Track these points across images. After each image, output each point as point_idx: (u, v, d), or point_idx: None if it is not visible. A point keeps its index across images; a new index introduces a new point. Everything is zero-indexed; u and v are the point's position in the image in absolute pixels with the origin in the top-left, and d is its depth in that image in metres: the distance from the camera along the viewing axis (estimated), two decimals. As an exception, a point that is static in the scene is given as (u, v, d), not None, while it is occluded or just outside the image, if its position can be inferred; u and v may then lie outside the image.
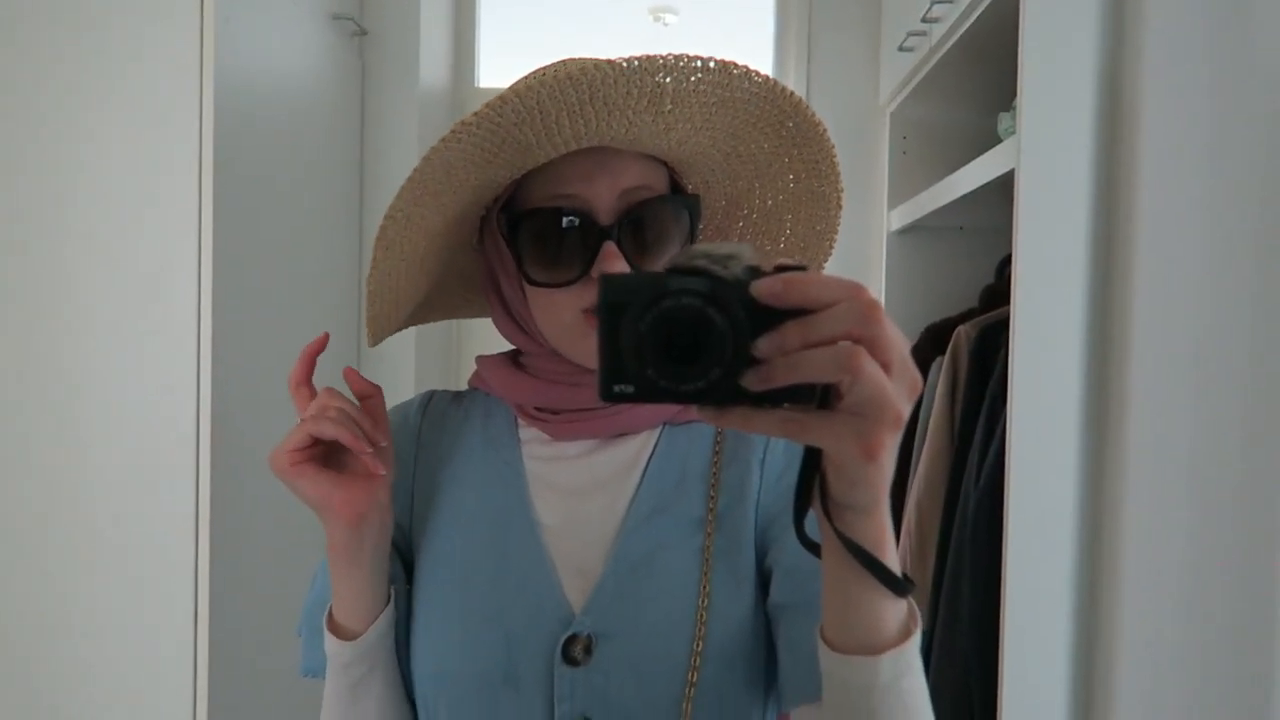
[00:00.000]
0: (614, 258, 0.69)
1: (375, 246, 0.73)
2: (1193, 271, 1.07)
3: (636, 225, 0.71)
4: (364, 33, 2.00)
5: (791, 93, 0.73)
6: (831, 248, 0.84)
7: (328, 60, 1.85)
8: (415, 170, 0.68)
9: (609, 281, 0.48)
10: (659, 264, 0.72)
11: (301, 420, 0.66)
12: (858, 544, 0.52)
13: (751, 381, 0.47)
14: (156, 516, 1.39)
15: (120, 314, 1.38)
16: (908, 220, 1.79)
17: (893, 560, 0.54)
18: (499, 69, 2.28)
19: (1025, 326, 1.18)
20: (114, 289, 1.38)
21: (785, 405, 0.48)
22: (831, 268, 0.87)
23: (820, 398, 0.49)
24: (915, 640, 0.57)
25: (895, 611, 0.56)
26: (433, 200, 0.72)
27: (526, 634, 0.69)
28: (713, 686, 0.67)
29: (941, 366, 1.60)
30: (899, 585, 0.54)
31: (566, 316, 0.72)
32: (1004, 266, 1.75)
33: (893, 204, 1.89)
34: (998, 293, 1.66)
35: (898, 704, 0.56)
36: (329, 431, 0.65)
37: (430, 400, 0.85)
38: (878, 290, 1.89)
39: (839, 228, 0.82)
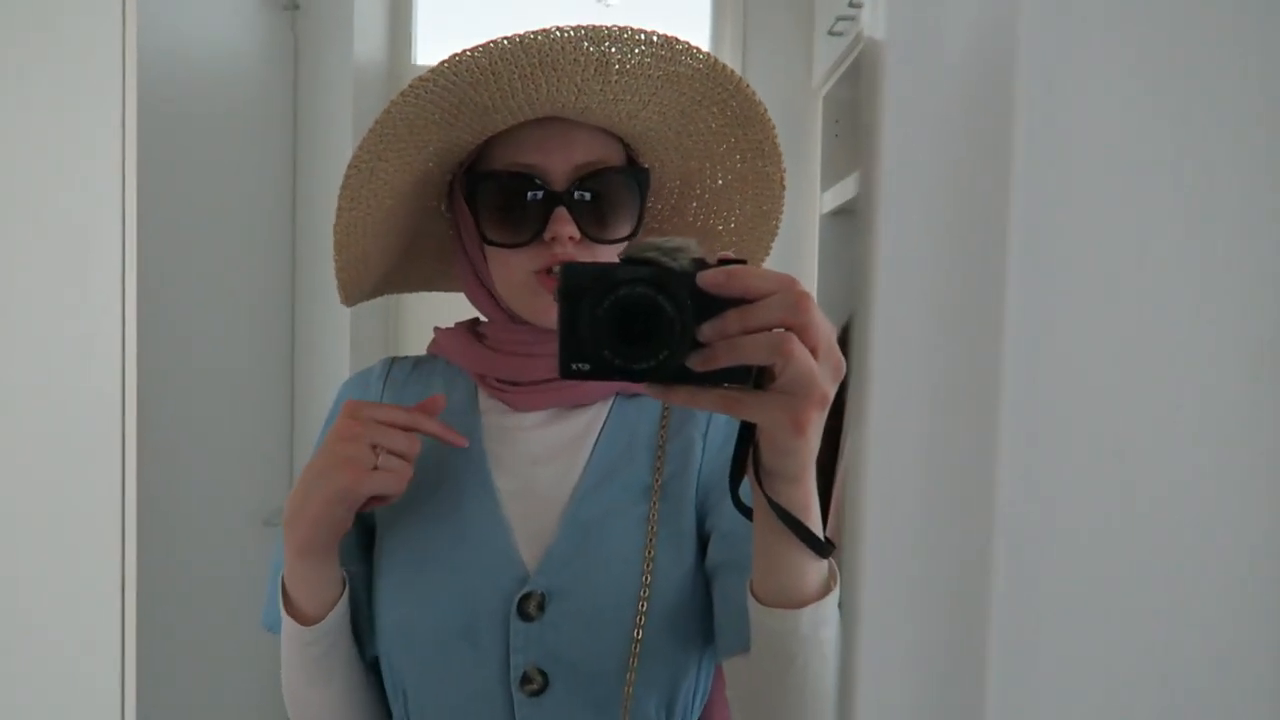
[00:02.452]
0: (564, 222, 0.74)
1: (339, 197, 0.77)
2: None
3: (588, 193, 0.76)
4: (296, 7, 1.96)
5: (732, 72, 0.78)
6: (777, 226, 0.89)
7: (258, 34, 1.81)
8: (376, 122, 0.73)
9: (569, 269, 0.54)
10: (608, 231, 0.77)
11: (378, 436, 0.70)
12: (785, 509, 0.59)
13: (695, 362, 0.53)
14: (81, 488, 1.37)
15: (42, 295, 1.35)
16: (840, 202, 1.84)
17: (816, 525, 0.60)
18: (437, 46, 2.26)
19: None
20: (34, 271, 1.35)
21: (725, 385, 0.55)
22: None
23: (756, 378, 0.55)
24: (834, 596, 0.64)
25: (817, 570, 0.63)
26: (395, 156, 0.76)
27: (484, 591, 0.73)
28: (657, 641, 0.72)
29: (872, 345, 1.65)
30: (821, 547, 0.60)
31: (519, 276, 0.77)
32: (932, 248, 1.81)
33: (825, 186, 1.93)
34: (925, 273, 1.71)
35: (816, 651, 0.63)
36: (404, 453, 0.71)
37: (391, 367, 0.88)
38: (811, 271, 1.94)
39: (783, 208, 0.88)
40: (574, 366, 0.54)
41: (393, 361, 0.89)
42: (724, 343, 0.53)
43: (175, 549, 1.50)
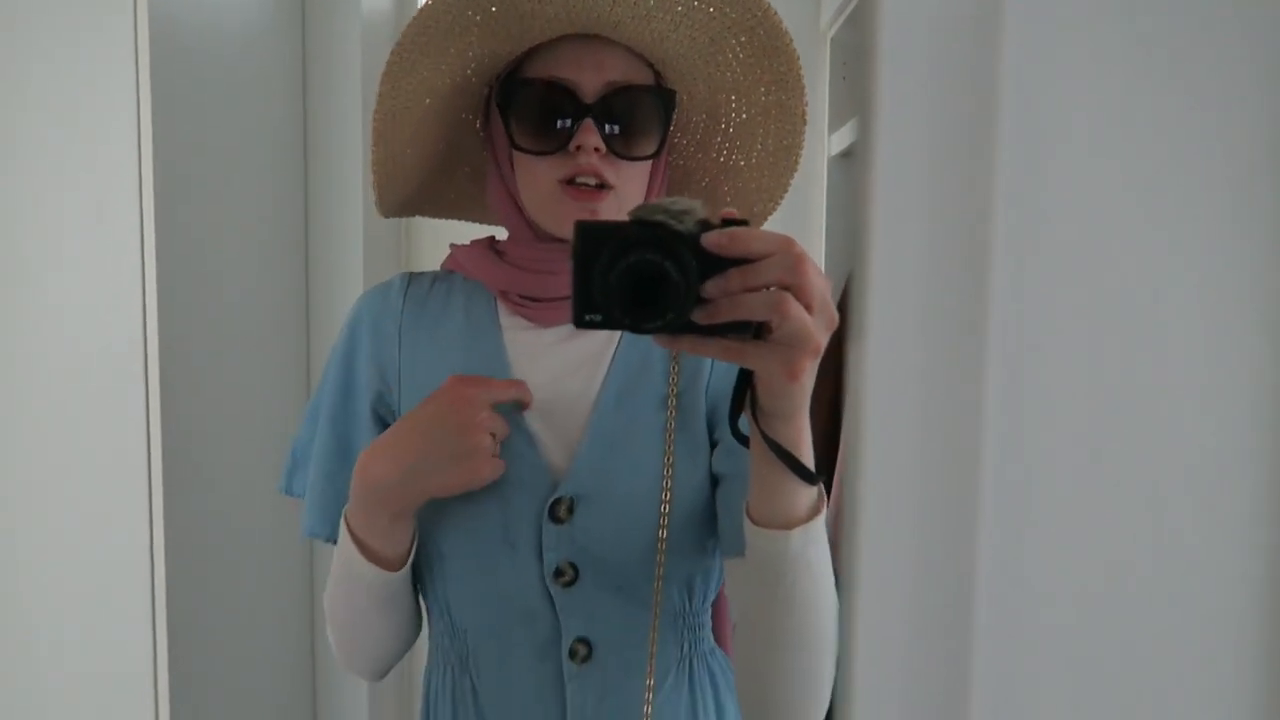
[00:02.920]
0: (591, 133, 0.78)
1: (380, 84, 0.81)
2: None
3: (614, 108, 0.80)
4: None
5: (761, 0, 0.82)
6: (797, 162, 0.93)
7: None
8: (419, 14, 0.77)
9: (583, 228, 0.59)
10: (632, 148, 0.82)
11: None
12: (778, 444, 0.66)
13: (700, 317, 0.59)
14: (105, 436, 1.41)
15: (60, 245, 1.38)
16: (847, 144, 1.84)
17: (807, 458, 0.68)
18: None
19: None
20: (51, 217, 1.38)
21: (726, 336, 0.61)
22: None
23: (754, 331, 0.61)
24: (821, 517, 0.71)
25: (806, 496, 0.70)
26: (436, 53, 0.80)
27: (518, 501, 0.81)
28: (677, 538, 0.81)
29: (879, 286, 1.66)
30: (809, 476, 0.68)
31: (545, 184, 0.81)
32: (939, 189, 1.82)
33: (833, 128, 1.93)
34: (933, 215, 1.72)
35: (804, 569, 0.70)
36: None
37: (410, 283, 0.92)
38: (819, 213, 1.95)
39: (803, 143, 0.92)
40: (587, 318, 0.59)
41: (411, 277, 0.92)
42: (726, 299, 0.59)
43: (201, 496, 1.55)
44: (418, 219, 2.13)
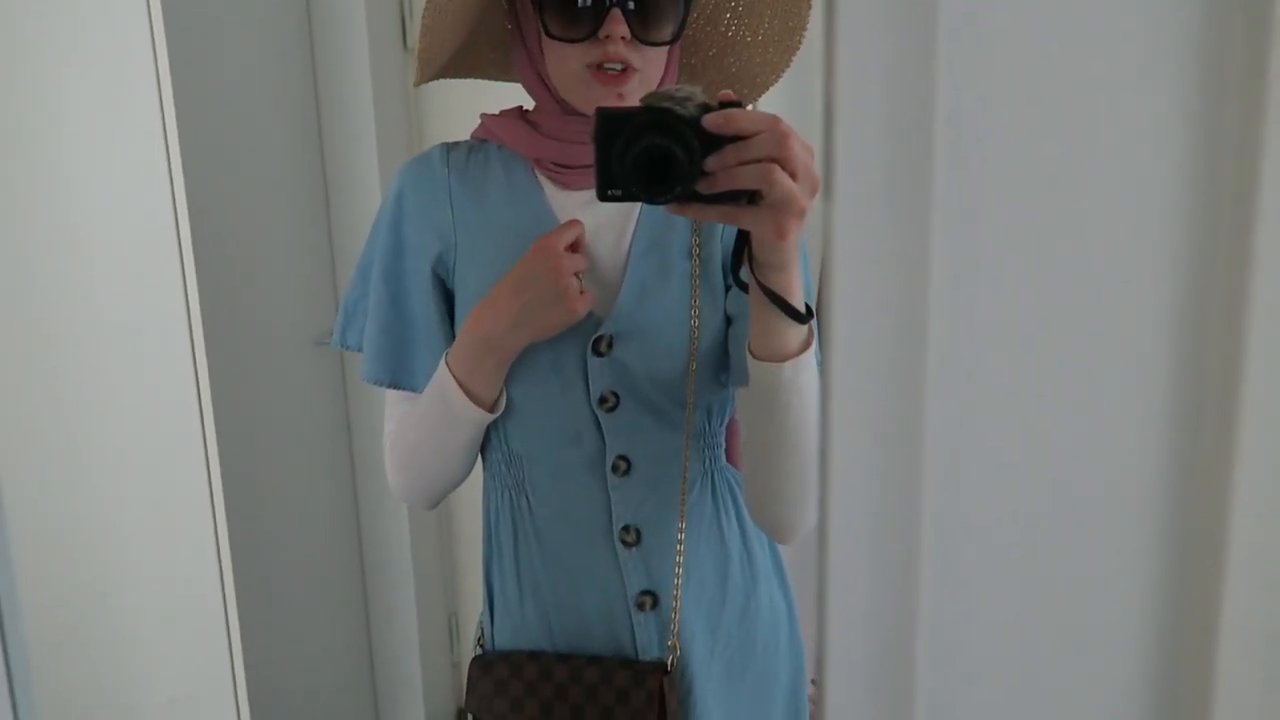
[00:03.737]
0: (618, 22, 0.85)
1: None
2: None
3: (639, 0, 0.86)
4: None
5: None
6: (800, 42, 0.98)
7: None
8: None
9: (602, 115, 0.70)
10: (654, 34, 0.88)
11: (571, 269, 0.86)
12: (772, 290, 0.77)
13: (703, 187, 0.71)
14: (148, 319, 1.49)
15: (85, 140, 1.40)
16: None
17: (797, 300, 0.78)
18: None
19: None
20: (74, 119, 1.40)
21: (726, 203, 0.73)
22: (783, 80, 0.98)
23: (749, 197, 0.72)
24: (811, 351, 0.83)
25: (797, 333, 0.82)
26: None
27: (568, 339, 0.91)
28: (701, 370, 0.92)
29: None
30: (800, 317, 0.79)
31: (575, 69, 0.88)
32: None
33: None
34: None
35: (796, 393, 0.83)
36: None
37: (450, 153, 0.99)
38: (818, 93, 1.93)
39: (807, 24, 0.97)
40: (609, 192, 0.71)
41: (449, 147, 0.99)
42: (724, 172, 0.70)
43: (242, 371, 1.63)
44: (424, 107, 2.15)
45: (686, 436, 0.94)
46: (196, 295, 1.47)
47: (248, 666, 1.60)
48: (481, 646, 1.04)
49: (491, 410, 0.92)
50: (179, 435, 1.51)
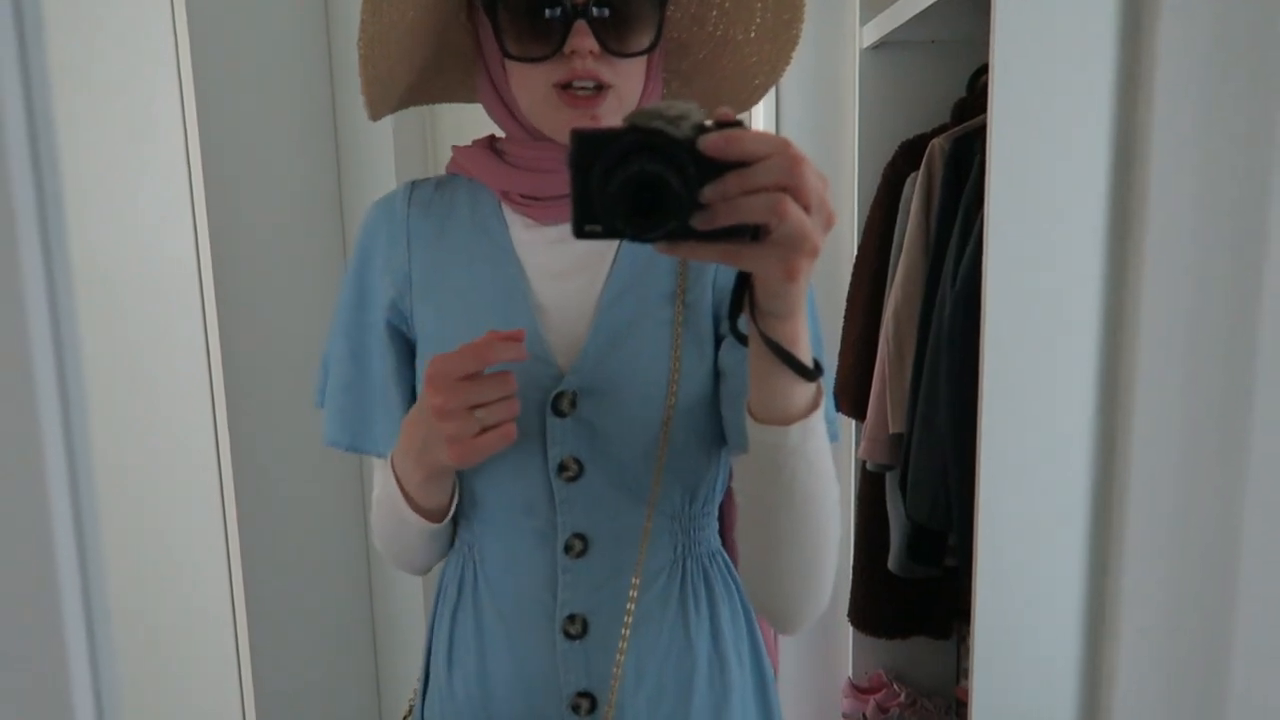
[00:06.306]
0: (584, 35, 0.75)
1: (362, 10, 0.78)
2: (1181, 76, 1.11)
3: (607, 7, 0.76)
4: None
5: None
6: (798, 35, 0.89)
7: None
8: None
9: (579, 137, 0.57)
10: (628, 44, 0.77)
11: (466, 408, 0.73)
12: (776, 341, 0.65)
13: (699, 222, 0.58)
14: (163, 323, 1.46)
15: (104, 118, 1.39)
16: (879, 35, 1.79)
17: (805, 355, 0.67)
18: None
19: (1002, 124, 1.22)
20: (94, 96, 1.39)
21: (726, 240, 0.59)
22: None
23: (752, 233, 0.59)
24: (819, 413, 0.71)
25: (804, 392, 0.70)
26: None
27: (524, 393, 0.78)
28: (681, 433, 0.80)
29: (916, 181, 1.64)
30: (807, 373, 0.67)
31: (540, 90, 0.78)
32: (975, 79, 1.77)
33: (864, 20, 1.88)
34: (969, 106, 1.68)
35: (803, 461, 0.71)
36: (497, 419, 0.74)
37: (413, 190, 0.90)
38: (852, 107, 1.91)
39: (804, 16, 0.87)
40: (587, 228, 0.58)
41: (414, 185, 0.90)
42: (725, 204, 0.57)
43: (256, 393, 1.59)
44: (443, 124, 2.14)
45: (650, 507, 0.81)
46: (215, 312, 1.45)
47: (256, 680, 1.57)
48: None
49: (439, 519, 0.82)
50: (195, 453, 1.49)
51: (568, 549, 0.82)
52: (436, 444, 0.74)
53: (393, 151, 1.96)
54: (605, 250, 0.83)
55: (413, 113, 2.06)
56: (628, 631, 0.81)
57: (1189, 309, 1.10)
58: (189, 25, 1.38)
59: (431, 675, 0.91)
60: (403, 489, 0.81)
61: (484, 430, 0.73)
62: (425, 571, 0.93)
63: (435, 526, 0.83)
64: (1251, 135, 1.00)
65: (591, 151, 0.57)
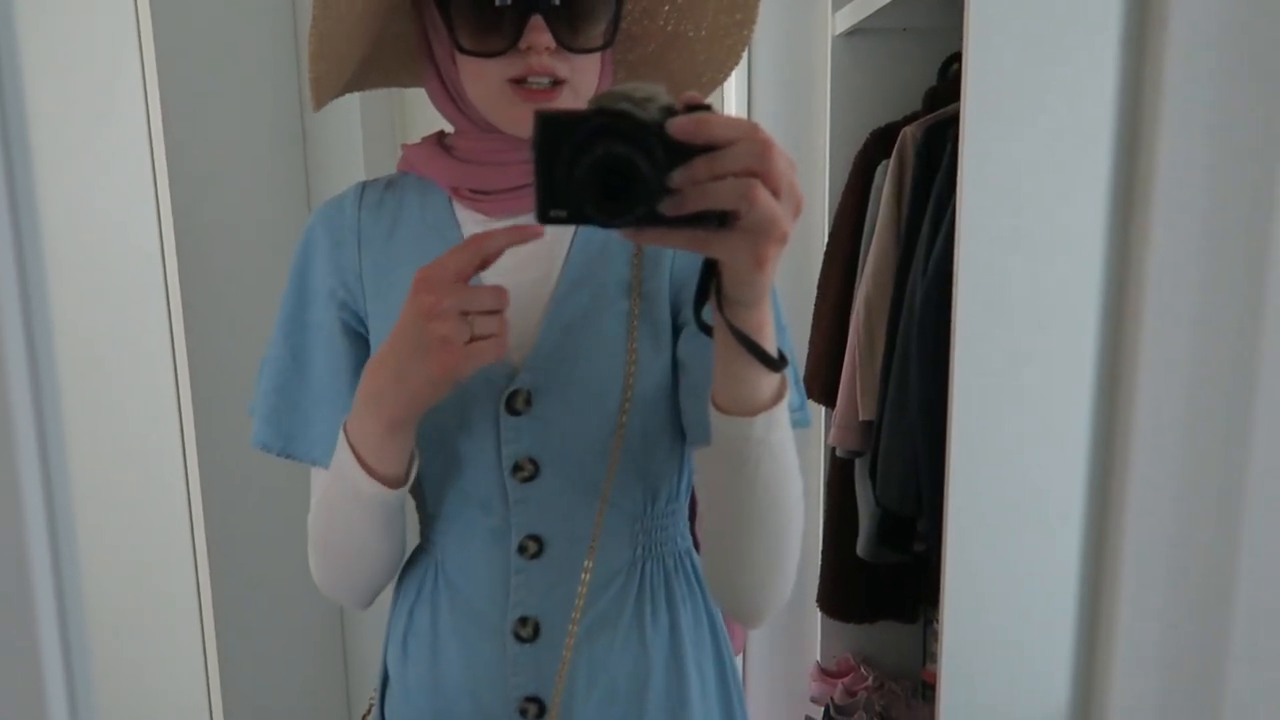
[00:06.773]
0: (540, 30, 0.73)
1: (314, 5, 0.76)
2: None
3: (564, 1, 0.74)
4: None
5: None
6: (749, 36, 0.88)
7: None
8: None
9: (543, 119, 0.55)
10: (583, 39, 0.76)
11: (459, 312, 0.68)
12: (742, 331, 0.64)
13: (667, 208, 0.56)
14: (128, 317, 1.44)
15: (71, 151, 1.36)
16: (851, 22, 1.80)
17: (770, 344, 0.66)
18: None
19: (975, 113, 1.23)
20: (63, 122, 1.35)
21: (694, 226, 0.58)
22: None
23: (720, 219, 0.58)
24: (784, 404, 0.70)
25: (769, 382, 0.68)
26: None
27: (477, 391, 0.78)
28: (639, 428, 0.79)
29: (888, 169, 1.65)
30: (773, 363, 0.66)
31: (494, 85, 0.76)
32: (946, 67, 1.78)
33: (836, 7, 1.88)
34: (940, 94, 1.69)
35: (767, 452, 0.70)
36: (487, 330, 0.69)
37: (363, 191, 0.88)
38: (824, 94, 1.91)
39: (757, 16, 0.87)
40: (551, 213, 0.56)
41: (364, 186, 0.88)
42: (693, 189, 0.56)
43: (222, 382, 1.57)
44: (412, 117, 2.12)
45: (603, 503, 0.79)
46: (180, 305, 1.43)
47: (223, 675, 1.55)
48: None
49: (397, 485, 0.76)
50: (158, 446, 1.46)
51: (521, 550, 0.80)
52: (420, 357, 0.68)
53: (361, 143, 1.94)
54: (559, 241, 0.81)
55: (382, 104, 2.04)
56: (573, 633, 0.80)
57: (1169, 296, 1.11)
58: (151, 8, 1.34)
59: (390, 673, 0.89)
60: (357, 455, 0.75)
61: (474, 340, 0.68)
62: (368, 599, 0.87)
63: (391, 496, 0.76)
64: (1242, 123, 1.01)
65: (556, 134, 0.55)
